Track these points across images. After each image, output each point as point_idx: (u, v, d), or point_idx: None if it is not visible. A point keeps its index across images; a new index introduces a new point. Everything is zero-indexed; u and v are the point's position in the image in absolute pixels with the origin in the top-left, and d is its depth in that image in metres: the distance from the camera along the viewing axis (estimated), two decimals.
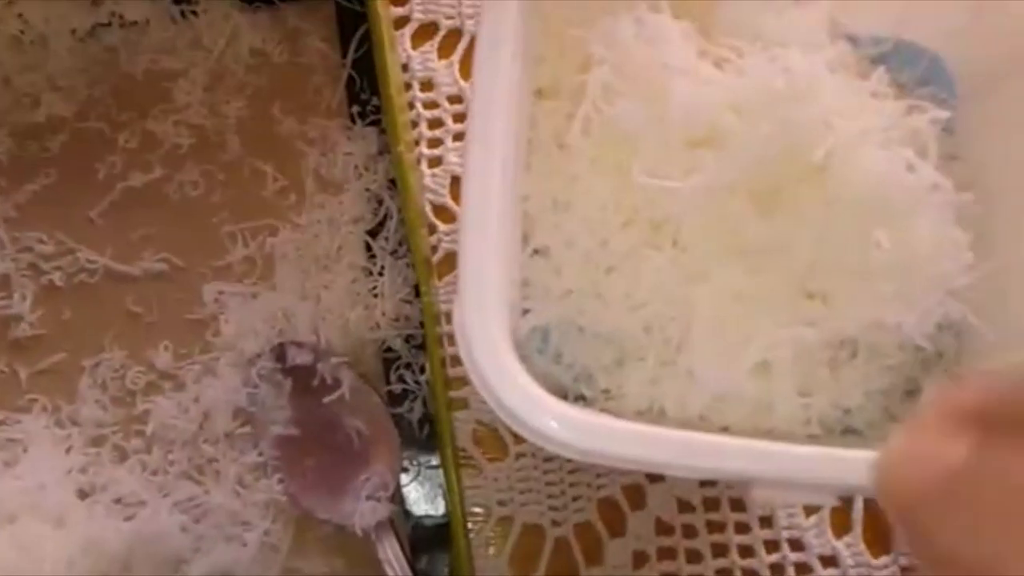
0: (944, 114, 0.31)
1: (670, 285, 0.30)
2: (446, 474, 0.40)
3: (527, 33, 0.31)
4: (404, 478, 0.41)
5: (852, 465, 0.26)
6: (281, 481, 0.40)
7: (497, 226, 0.27)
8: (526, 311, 0.32)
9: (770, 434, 0.28)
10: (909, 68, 0.33)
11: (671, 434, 0.26)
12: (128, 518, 0.40)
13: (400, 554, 0.39)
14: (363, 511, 0.39)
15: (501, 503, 0.42)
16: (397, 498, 0.41)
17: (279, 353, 0.41)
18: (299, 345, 0.41)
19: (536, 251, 0.32)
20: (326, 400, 0.41)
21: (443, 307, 0.43)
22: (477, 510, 0.42)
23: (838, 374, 0.31)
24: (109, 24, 0.45)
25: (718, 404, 0.30)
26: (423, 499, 0.41)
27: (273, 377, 0.41)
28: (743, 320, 0.30)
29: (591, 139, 0.31)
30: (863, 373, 0.31)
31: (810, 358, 0.30)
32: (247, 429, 0.41)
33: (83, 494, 0.40)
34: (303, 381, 0.41)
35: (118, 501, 0.40)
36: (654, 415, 0.30)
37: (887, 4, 0.36)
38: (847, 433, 0.31)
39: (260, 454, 0.41)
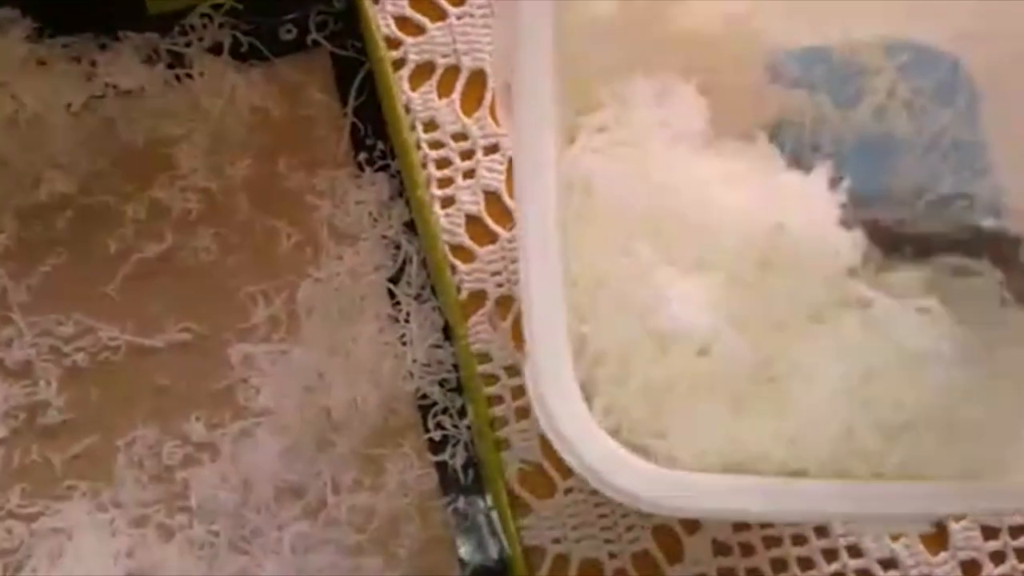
0: None
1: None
2: (501, 516, 0.40)
3: None
4: (457, 526, 0.40)
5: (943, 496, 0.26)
6: None
7: (558, 279, 0.27)
8: None
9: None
10: (930, 75, 0.33)
11: (756, 483, 0.26)
12: None
13: None
14: None
15: (555, 541, 0.41)
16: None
17: None
18: None
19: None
20: None
21: (474, 348, 0.43)
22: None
23: None
24: (104, 96, 0.44)
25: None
26: (476, 546, 0.40)
27: None
28: None
29: None
30: None
31: None
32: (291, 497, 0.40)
33: None
34: None
35: None
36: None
37: (895, 5, 0.36)
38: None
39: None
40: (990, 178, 0.33)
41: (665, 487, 0.26)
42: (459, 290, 0.44)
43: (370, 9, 0.42)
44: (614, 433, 0.27)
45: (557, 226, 0.28)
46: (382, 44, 0.43)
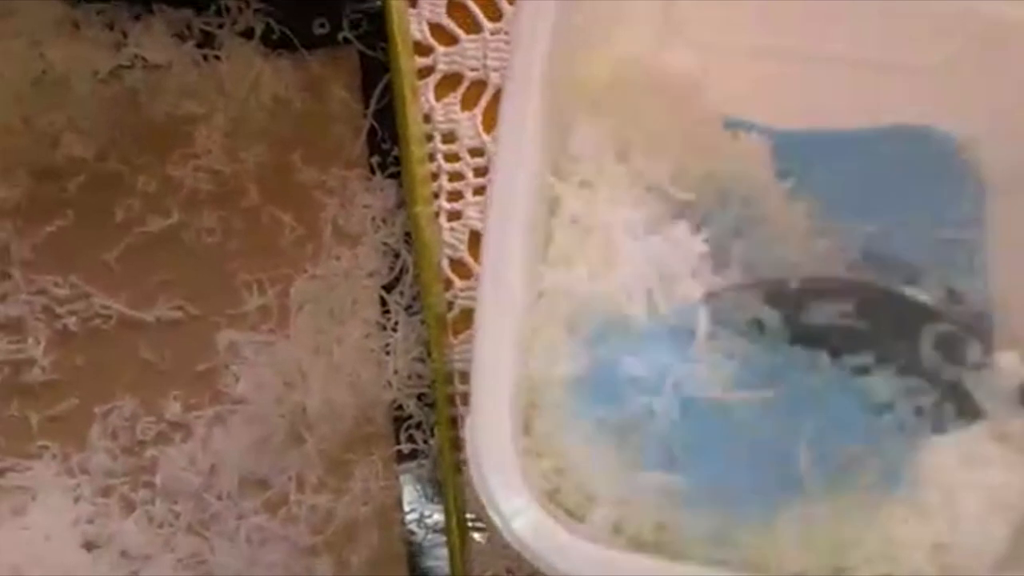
0: None
1: None
2: (449, 540, 0.40)
3: None
4: (413, 542, 0.41)
5: None
6: None
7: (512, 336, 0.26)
8: None
9: None
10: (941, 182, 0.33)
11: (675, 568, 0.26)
12: (133, 573, 0.40)
13: None
14: None
15: (509, 571, 0.41)
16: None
17: None
18: None
19: None
20: None
21: (457, 366, 0.43)
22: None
23: None
24: (131, 66, 0.44)
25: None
26: (429, 565, 0.41)
27: None
28: None
29: None
30: None
31: None
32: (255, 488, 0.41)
33: (90, 546, 0.40)
34: None
35: (124, 554, 0.40)
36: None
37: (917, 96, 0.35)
38: None
39: None
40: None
41: (591, 566, 0.26)
42: (452, 306, 0.44)
43: (397, 16, 0.41)
44: (553, 495, 0.26)
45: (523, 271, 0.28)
46: (406, 54, 0.42)
